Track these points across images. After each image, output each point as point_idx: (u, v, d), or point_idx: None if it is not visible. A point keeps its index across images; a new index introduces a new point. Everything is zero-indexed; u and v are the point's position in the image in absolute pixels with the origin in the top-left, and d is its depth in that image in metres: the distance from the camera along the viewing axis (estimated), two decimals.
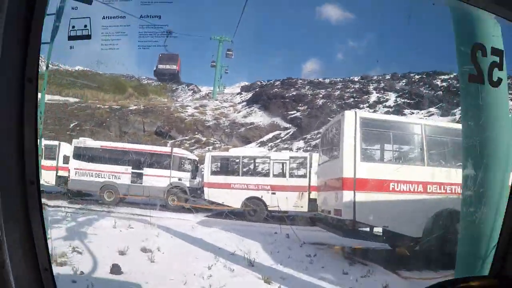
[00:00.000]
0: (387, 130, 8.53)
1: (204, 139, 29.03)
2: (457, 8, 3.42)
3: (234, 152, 16.50)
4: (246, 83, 42.60)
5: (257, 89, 38.31)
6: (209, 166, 15.29)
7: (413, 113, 28.54)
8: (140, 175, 16.04)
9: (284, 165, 15.04)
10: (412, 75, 35.27)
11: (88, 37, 2.76)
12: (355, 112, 8.35)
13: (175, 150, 17.29)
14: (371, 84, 35.45)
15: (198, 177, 16.90)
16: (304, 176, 14.69)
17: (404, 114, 28.17)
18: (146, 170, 16.08)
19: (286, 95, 34.85)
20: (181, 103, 37.96)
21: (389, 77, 35.67)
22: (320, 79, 38.43)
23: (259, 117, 32.32)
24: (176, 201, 15.94)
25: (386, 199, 7.58)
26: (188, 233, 9.85)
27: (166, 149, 17.68)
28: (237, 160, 15.53)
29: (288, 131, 29.45)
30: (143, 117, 31.47)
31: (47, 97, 24.42)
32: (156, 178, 15.90)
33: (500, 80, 3.20)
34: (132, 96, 39.22)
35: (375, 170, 7.91)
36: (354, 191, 7.58)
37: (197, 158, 17.93)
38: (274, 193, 14.56)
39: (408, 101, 30.80)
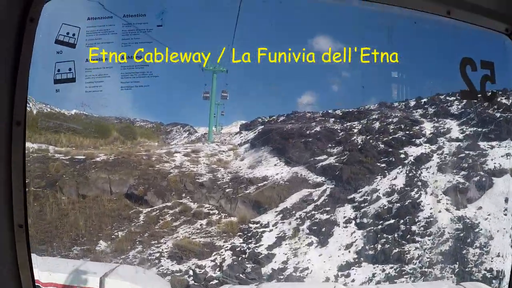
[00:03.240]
0: None
1: (194, 206, 19.31)
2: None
3: None
4: (244, 122, 33.96)
5: (261, 127, 29.57)
6: None
7: (499, 145, 19.66)
8: None
9: None
10: (442, 96, 26.65)
11: (73, 80, 2.84)
12: None
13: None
14: (414, 111, 26.44)
15: None
16: None
17: (485, 151, 19.49)
18: None
19: (307, 132, 25.53)
20: (168, 148, 29.04)
21: (414, 103, 27.19)
22: (341, 110, 29.16)
23: (273, 168, 22.85)
24: None
25: None
26: None
27: None
28: None
29: (322, 188, 19.88)
30: (110, 173, 22.23)
31: None
32: None
33: None
34: (117, 140, 31.42)
35: None
36: None
37: None
38: None
39: (481, 129, 21.63)
